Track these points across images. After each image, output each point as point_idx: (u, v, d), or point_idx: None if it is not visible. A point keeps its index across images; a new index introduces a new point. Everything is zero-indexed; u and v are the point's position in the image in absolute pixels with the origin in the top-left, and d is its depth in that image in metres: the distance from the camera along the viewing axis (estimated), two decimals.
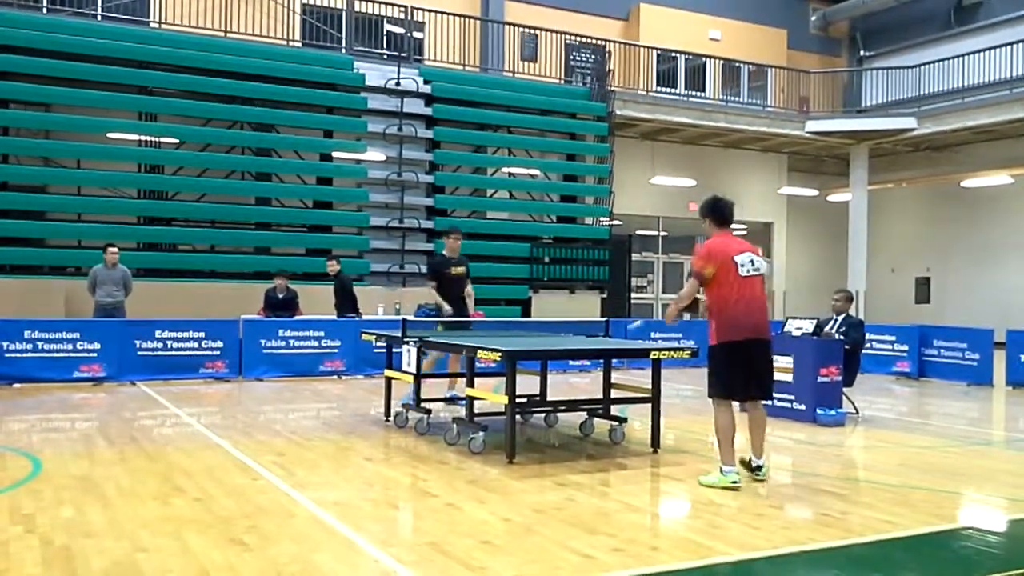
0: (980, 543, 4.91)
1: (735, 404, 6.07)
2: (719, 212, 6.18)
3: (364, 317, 13.18)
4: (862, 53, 25.03)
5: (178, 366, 11.59)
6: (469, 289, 9.67)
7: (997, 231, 22.48)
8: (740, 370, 5.89)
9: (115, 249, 12.13)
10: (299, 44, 17.81)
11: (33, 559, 4.18)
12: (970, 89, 20.25)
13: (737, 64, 22.41)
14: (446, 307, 9.31)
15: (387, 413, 8.56)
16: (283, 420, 8.88)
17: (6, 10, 14.98)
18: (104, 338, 11.24)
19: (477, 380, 7.44)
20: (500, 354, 6.43)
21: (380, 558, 4.33)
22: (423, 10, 18.33)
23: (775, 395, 9.27)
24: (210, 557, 4.25)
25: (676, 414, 9.38)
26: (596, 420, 7.93)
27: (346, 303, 13.10)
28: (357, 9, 18.05)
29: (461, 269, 9.60)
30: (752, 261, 5.95)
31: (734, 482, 5.81)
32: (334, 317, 12.93)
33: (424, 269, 16.62)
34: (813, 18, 25.00)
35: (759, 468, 6.08)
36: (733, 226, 6.21)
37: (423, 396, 8.07)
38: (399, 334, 7.94)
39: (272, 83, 15.90)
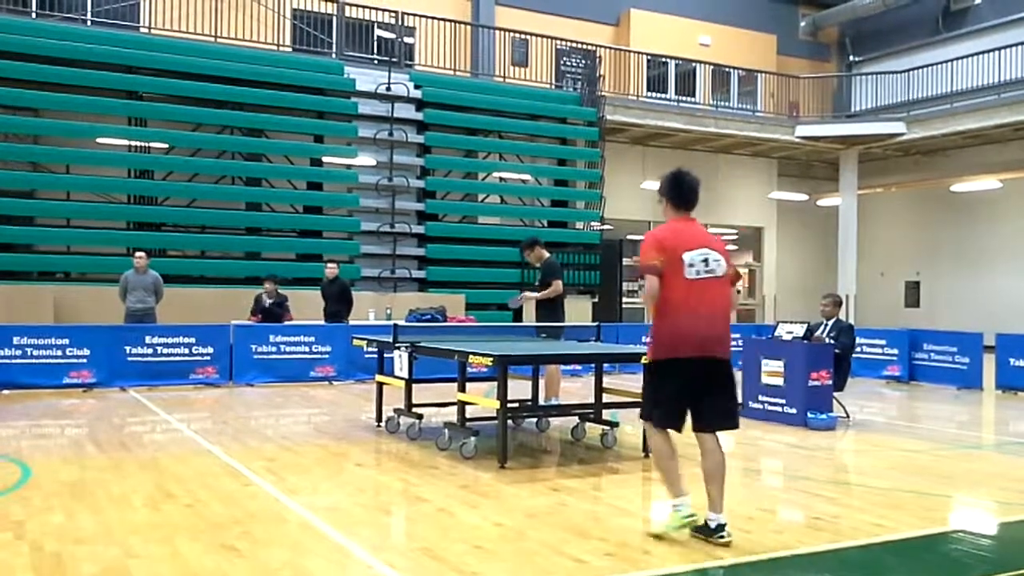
0: (970, 546, 4.93)
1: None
2: (678, 190, 4.92)
3: (352, 322, 13.18)
4: (851, 58, 25.14)
5: (168, 372, 11.54)
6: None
7: (986, 235, 22.58)
8: (677, 395, 4.75)
9: (141, 254, 12.09)
10: (289, 49, 17.78)
11: (23, 565, 4.16)
12: (959, 94, 20.36)
13: (727, 69, 22.47)
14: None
15: (378, 418, 8.55)
16: (274, 425, 8.86)
17: None
18: (93, 344, 11.19)
19: (469, 385, 7.44)
20: (492, 359, 6.44)
21: (372, 564, 4.33)
22: (414, 15, 18.34)
23: (767, 399, 9.36)
24: (201, 563, 4.24)
25: None
26: (588, 424, 7.94)
27: (344, 308, 13.08)
28: (348, 14, 18.05)
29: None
30: (706, 260, 4.75)
31: (689, 516, 4.70)
32: (323, 322, 12.90)
33: (413, 274, 16.68)
34: (803, 23, 25.10)
35: (720, 528, 4.65)
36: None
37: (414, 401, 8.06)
38: (390, 339, 7.94)
39: (262, 88, 15.86)
